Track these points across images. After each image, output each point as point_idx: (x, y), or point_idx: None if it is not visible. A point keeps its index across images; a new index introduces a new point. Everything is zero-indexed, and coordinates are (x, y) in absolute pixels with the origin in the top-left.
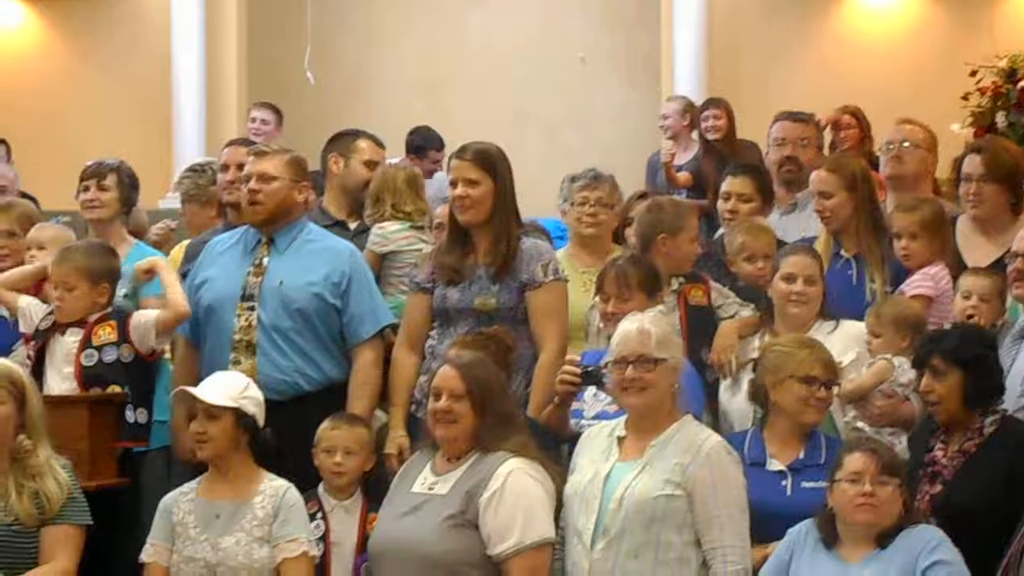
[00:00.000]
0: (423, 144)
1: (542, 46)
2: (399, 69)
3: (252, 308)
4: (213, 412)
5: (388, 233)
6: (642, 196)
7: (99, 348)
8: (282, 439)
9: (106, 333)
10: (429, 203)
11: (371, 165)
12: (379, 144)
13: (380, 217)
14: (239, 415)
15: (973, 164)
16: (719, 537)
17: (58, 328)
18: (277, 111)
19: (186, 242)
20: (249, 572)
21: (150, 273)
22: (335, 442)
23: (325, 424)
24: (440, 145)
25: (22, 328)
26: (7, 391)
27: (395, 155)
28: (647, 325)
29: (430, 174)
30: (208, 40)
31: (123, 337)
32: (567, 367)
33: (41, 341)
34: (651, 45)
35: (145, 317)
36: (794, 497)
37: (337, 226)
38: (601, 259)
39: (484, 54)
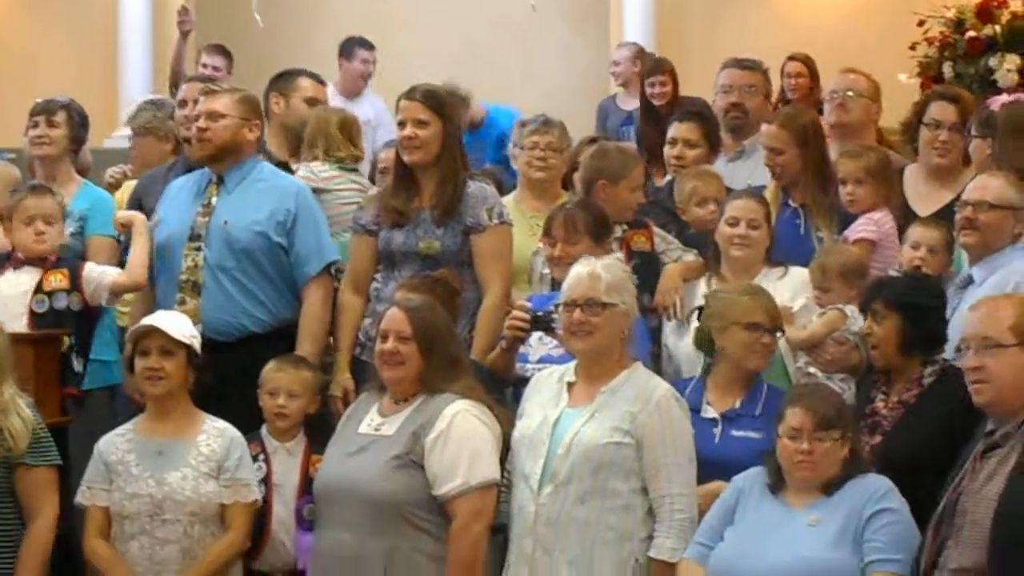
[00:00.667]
0: (348, 46)
1: None
2: (348, 7)
3: (199, 248)
4: (169, 349)
5: (316, 171)
6: (592, 141)
7: (49, 294)
8: (228, 380)
9: (57, 280)
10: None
11: (312, 103)
12: (320, 81)
13: (312, 160)
14: (190, 353)
15: (945, 112)
16: (667, 486)
17: (13, 263)
18: (228, 54)
19: (132, 182)
20: (196, 506)
21: (126, 228)
22: (278, 384)
23: (269, 366)
24: (368, 45)
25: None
26: None
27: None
28: (598, 269)
29: (364, 76)
30: None
31: (74, 285)
32: (517, 312)
33: None
34: None
35: (100, 273)
36: (722, 445)
37: (280, 167)
38: (549, 204)
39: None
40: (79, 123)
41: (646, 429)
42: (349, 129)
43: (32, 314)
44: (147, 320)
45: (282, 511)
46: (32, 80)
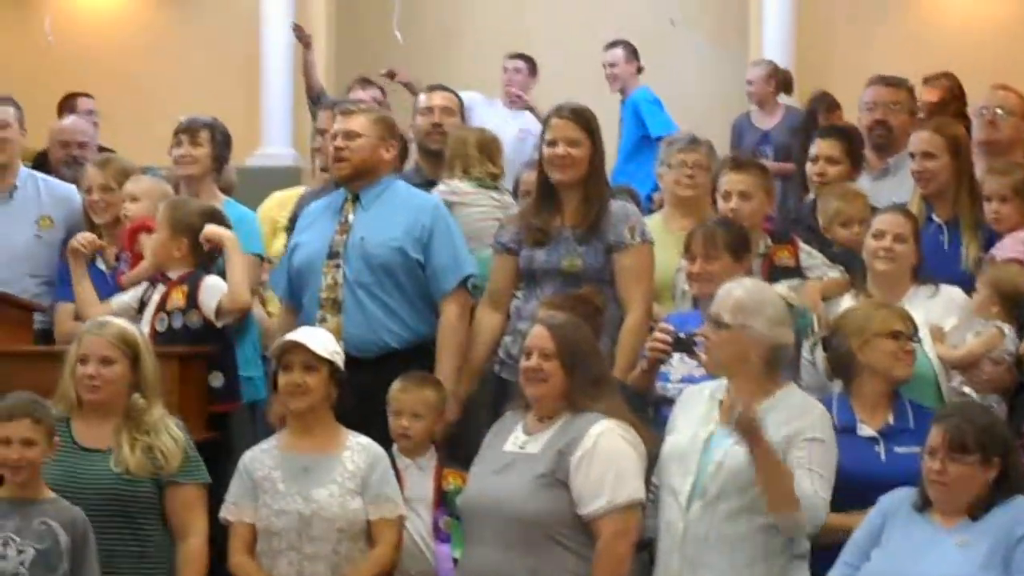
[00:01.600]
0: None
1: (630, 6)
2: (488, 27)
3: (338, 266)
4: (312, 364)
5: (454, 186)
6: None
7: (170, 313)
8: (370, 396)
9: (177, 298)
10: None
11: (426, 113)
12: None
13: (455, 178)
14: (333, 369)
15: None
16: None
17: (158, 280)
18: (379, 86)
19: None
20: (343, 523)
21: (211, 244)
22: (402, 405)
23: (395, 385)
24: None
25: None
26: (120, 350)
27: None
28: (737, 290)
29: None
30: None
31: (192, 302)
32: (659, 334)
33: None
34: (740, 6)
35: (210, 294)
36: (889, 463)
37: (428, 185)
38: (697, 221)
39: (573, 12)
40: (222, 142)
41: (798, 464)
42: (487, 148)
43: (154, 332)
44: (290, 336)
45: (419, 524)
46: (176, 99)
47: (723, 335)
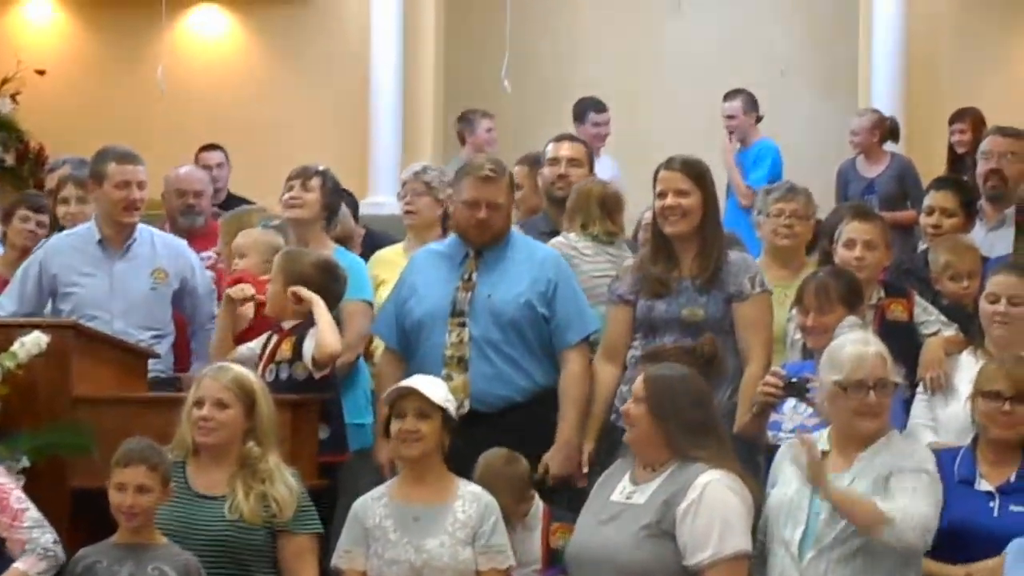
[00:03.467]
0: (580, 109)
1: (740, 57)
2: (595, 78)
3: (463, 324)
4: (426, 411)
5: (571, 240)
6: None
7: (278, 364)
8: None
9: (286, 349)
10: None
11: (553, 163)
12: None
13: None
14: (446, 417)
15: None
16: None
17: (274, 328)
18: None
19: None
20: (453, 573)
21: (297, 301)
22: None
23: (481, 461)
24: (599, 107)
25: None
26: (235, 395)
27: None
28: (878, 347)
29: (597, 138)
30: (406, 46)
31: (297, 355)
32: (770, 377)
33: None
34: (848, 57)
35: (308, 346)
36: (1001, 519)
37: (551, 235)
38: (794, 271)
39: (681, 64)
40: (332, 190)
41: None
42: (608, 205)
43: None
44: (405, 382)
45: None
46: (284, 148)
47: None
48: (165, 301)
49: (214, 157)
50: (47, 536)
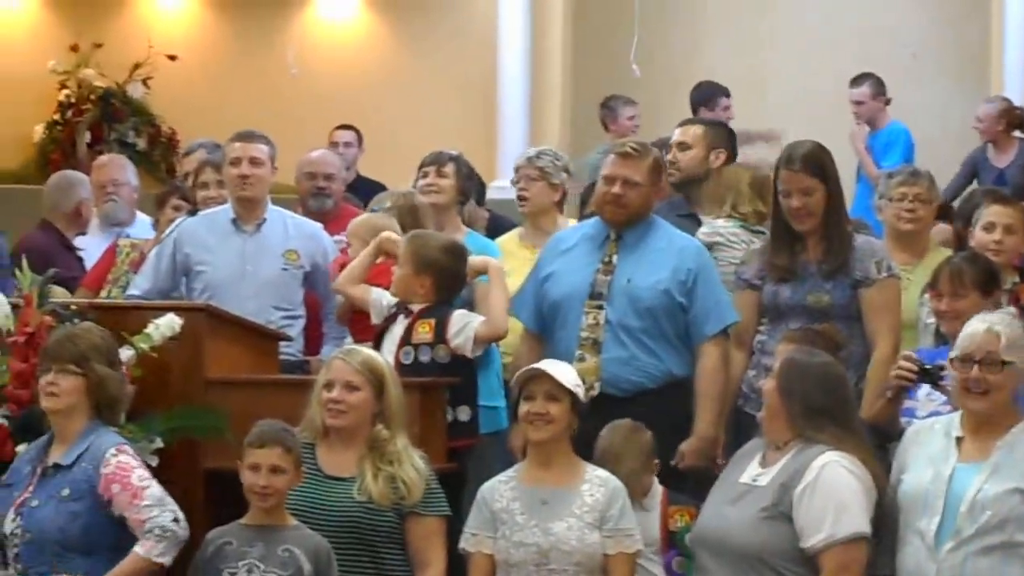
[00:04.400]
0: (708, 94)
1: (869, 41)
2: (723, 63)
3: (600, 307)
4: (555, 394)
5: (718, 227)
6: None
7: (417, 347)
8: None
9: (424, 331)
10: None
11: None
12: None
13: (718, 215)
14: (574, 400)
15: None
16: None
17: (401, 311)
18: None
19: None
20: (581, 556)
21: (478, 273)
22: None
23: (607, 430)
24: (726, 92)
25: (373, 320)
26: (366, 378)
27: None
28: (997, 326)
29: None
30: (534, 30)
31: (439, 337)
32: (904, 362)
33: (383, 325)
34: (980, 40)
35: (465, 323)
36: None
37: (689, 218)
38: (917, 255)
39: (810, 48)
40: (466, 175)
41: None
42: (760, 187)
43: (399, 365)
44: (535, 365)
45: (651, 567)
46: (414, 131)
47: (1004, 372)
48: (296, 282)
49: (344, 136)
50: (166, 515)
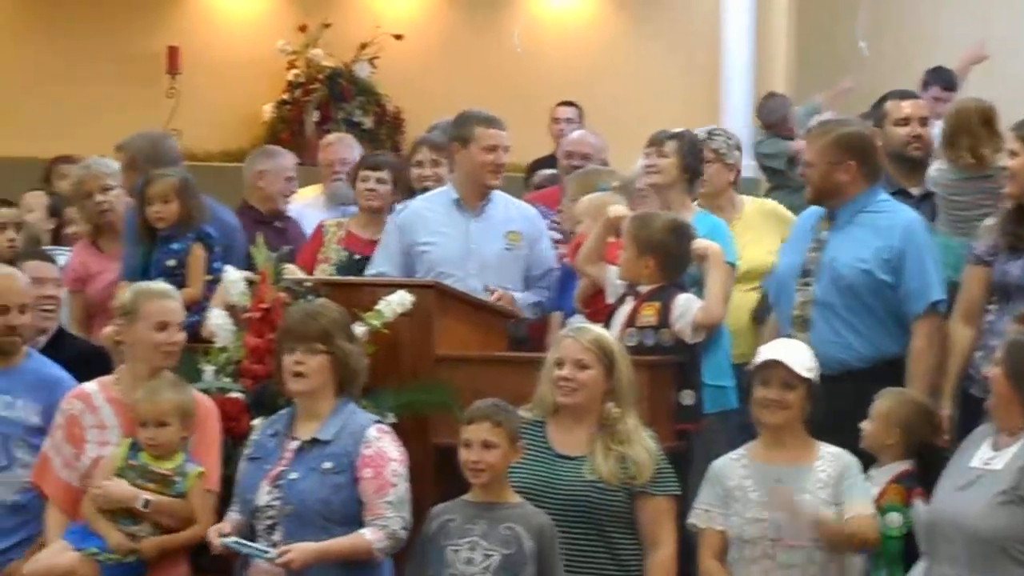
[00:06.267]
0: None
1: None
2: (951, 32)
3: (808, 284)
4: (790, 382)
5: (942, 176)
6: None
7: (641, 330)
8: (839, 414)
9: (648, 315)
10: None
11: (903, 123)
12: (913, 96)
13: (958, 161)
14: (811, 386)
15: None
16: None
17: (629, 292)
18: None
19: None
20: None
21: (701, 259)
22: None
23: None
24: (950, 85)
25: (608, 299)
26: (596, 356)
27: None
28: None
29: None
30: (759, 6)
31: (663, 321)
32: None
33: (615, 305)
34: None
35: (686, 308)
36: None
37: (899, 194)
38: None
39: None
40: (689, 153)
41: None
42: (990, 119)
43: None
44: (771, 353)
45: None
46: (639, 108)
47: None
48: (517, 263)
49: (566, 112)
50: (399, 520)
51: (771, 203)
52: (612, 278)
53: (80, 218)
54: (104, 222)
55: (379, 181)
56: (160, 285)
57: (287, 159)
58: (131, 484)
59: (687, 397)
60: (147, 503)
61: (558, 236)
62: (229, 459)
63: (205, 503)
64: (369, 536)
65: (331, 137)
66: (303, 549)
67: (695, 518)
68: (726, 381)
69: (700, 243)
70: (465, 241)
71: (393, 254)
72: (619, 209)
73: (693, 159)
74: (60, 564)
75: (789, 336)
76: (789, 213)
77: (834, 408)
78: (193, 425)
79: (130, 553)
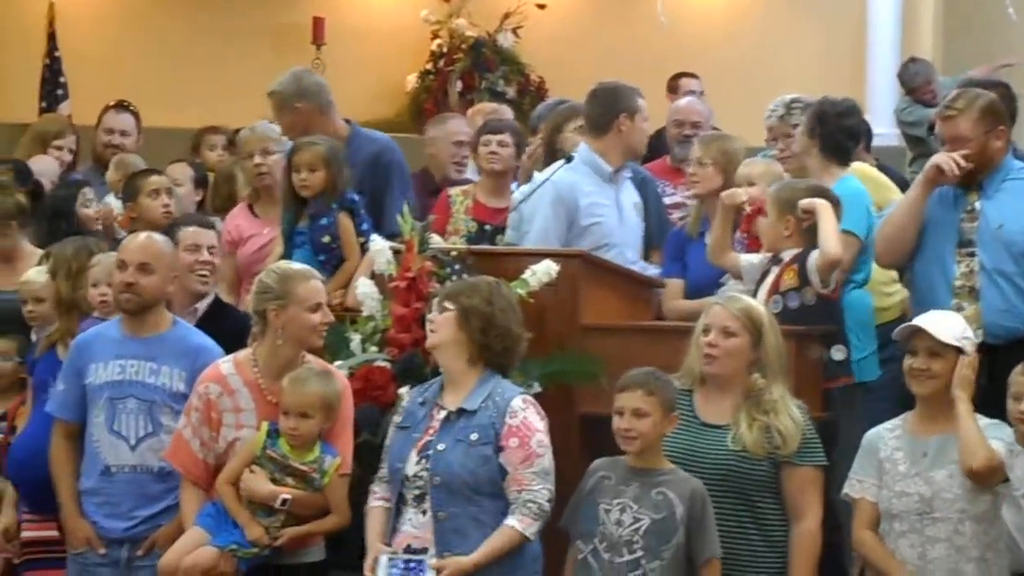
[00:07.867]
0: None
1: None
2: None
3: (972, 254)
4: (936, 350)
5: None
6: None
7: (784, 294)
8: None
9: (789, 278)
10: None
11: None
12: None
13: None
14: (959, 354)
15: None
16: None
17: (773, 263)
18: None
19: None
20: (964, 503)
21: (809, 214)
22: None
23: (1018, 369)
24: None
25: (745, 284)
26: (743, 324)
27: None
28: None
29: None
30: None
31: (804, 280)
32: None
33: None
34: None
35: (813, 265)
36: None
37: None
38: None
39: None
40: (819, 121)
41: None
42: None
43: None
44: (916, 321)
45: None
46: (782, 79)
47: None
48: (641, 233)
49: (685, 84)
50: (544, 492)
51: (870, 170)
52: (747, 263)
53: (242, 182)
54: (262, 185)
55: (501, 144)
56: (301, 266)
57: (454, 124)
58: (270, 477)
59: (837, 352)
60: (285, 501)
61: (672, 201)
62: (377, 426)
63: (342, 492)
64: (518, 526)
65: (486, 106)
66: (458, 563)
67: (849, 488)
68: (866, 351)
69: (805, 201)
70: (618, 211)
71: (558, 226)
72: (736, 194)
73: (820, 125)
74: (200, 563)
75: (957, 308)
76: (885, 177)
77: (1003, 379)
78: (335, 416)
79: (267, 548)
